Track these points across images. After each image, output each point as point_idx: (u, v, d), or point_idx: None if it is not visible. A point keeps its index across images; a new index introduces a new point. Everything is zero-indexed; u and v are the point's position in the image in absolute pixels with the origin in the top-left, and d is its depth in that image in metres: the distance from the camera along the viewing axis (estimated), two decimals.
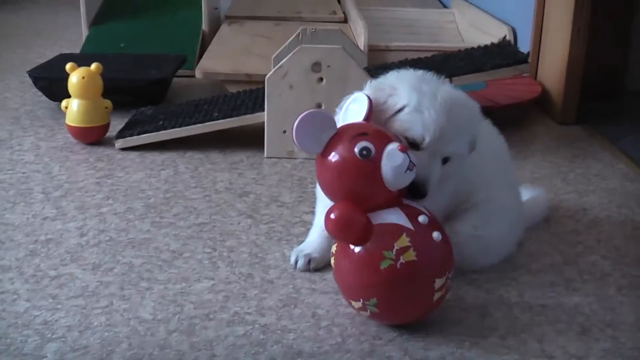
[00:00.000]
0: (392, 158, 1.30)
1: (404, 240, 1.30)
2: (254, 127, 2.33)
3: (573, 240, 1.77)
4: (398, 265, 1.30)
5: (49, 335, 1.37)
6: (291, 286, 1.55)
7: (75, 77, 2.32)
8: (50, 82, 2.67)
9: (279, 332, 1.39)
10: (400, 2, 4.24)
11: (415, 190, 1.38)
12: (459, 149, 1.44)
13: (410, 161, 1.31)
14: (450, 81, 2.20)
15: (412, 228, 1.31)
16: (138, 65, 2.87)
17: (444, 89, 1.46)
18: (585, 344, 1.37)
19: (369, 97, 1.40)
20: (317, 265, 1.59)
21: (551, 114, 2.64)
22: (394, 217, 1.33)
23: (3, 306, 1.46)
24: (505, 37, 2.63)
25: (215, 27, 3.54)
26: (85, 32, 3.59)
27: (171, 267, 1.62)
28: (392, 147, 1.31)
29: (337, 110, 1.48)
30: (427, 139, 1.39)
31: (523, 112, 2.65)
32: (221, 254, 1.68)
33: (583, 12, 2.48)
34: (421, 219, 1.33)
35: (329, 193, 1.38)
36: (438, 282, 1.32)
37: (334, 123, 1.36)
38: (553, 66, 2.64)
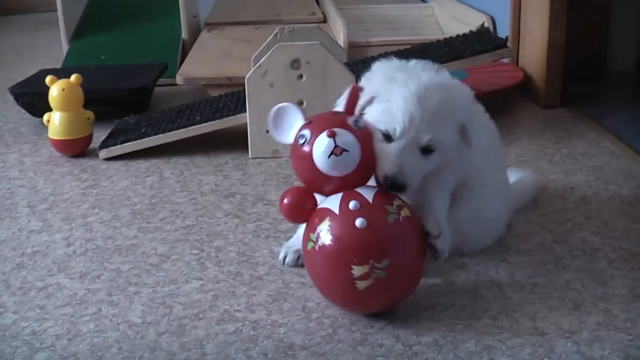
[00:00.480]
0: (318, 144, 1.32)
1: (325, 224, 1.31)
2: (237, 129, 2.32)
3: (562, 218, 1.77)
4: (317, 248, 1.31)
5: (38, 345, 1.35)
6: (280, 281, 1.53)
7: (56, 89, 2.31)
8: (32, 97, 2.66)
9: (269, 327, 1.38)
10: (379, 0, 4.24)
11: (389, 183, 1.35)
12: (441, 137, 1.37)
13: (337, 146, 1.31)
14: None
15: (337, 212, 1.31)
16: (119, 75, 2.86)
17: (423, 75, 1.40)
18: (578, 318, 1.36)
19: (353, 88, 1.39)
20: None
21: (535, 98, 2.63)
22: (330, 201, 1.34)
23: None
24: (483, 24, 2.64)
25: (195, 34, 3.54)
26: (65, 47, 3.58)
27: (159, 271, 1.61)
28: (323, 133, 1.32)
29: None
30: (398, 130, 1.34)
31: (507, 98, 2.64)
32: (209, 254, 1.67)
33: None
34: (352, 204, 1.30)
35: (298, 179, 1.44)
36: (357, 270, 1.28)
37: (301, 115, 1.40)
38: (533, 51, 2.63)
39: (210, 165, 2.22)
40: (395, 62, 1.47)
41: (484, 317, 1.38)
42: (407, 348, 1.30)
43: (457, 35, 2.51)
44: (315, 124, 1.36)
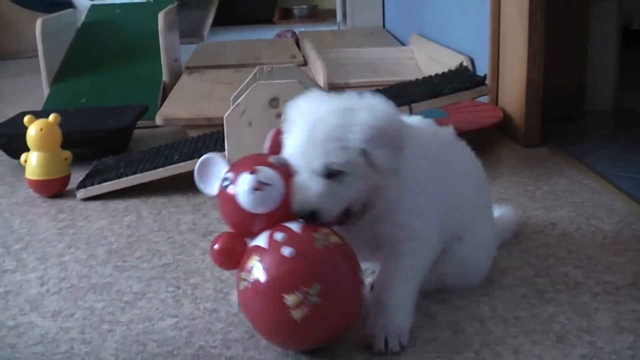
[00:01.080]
0: (240, 182, 1.32)
1: (253, 260, 1.28)
2: None
3: (544, 253, 1.75)
4: (249, 285, 1.28)
5: None
6: None
7: (34, 129, 2.29)
8: (9, 138, 2.64)
9: None
10: (359, 44, 4.27)
11: (300, 215, 1.31)
12: (336, 159, 1.28)
13: (259, 181, 1.30)
14: (410, 109, 2.21)
15: (266, 247, 1.29)
16: (98, 117, 2.85)
17: (325, 104, 1.34)
18: (562, 351, 1.33)
19: (275, 131, 1.40)
20: None
21: (515, 137, 2.63)
22: (258, 239, 1.32)
23: None
24: (462, 63, 2.64)
25: (176, 77, 3.54)
26: (46, 90, 3.57)
27: (134, 308, 1.57)
28: (245, 172, 1.32)
29: None
30: (293, 161, 1.32)
31: (487, 138, 2.64)
32: (185, 291, 1.63)
33: (537, 32, 2.48)
34: (279, 236, 1.28)
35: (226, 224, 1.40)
36: (290, 299, 1.24)
37: (226, 164, 1.39)
38: (512, 90, 2.64)
39: (188, 204, 2.19)
40: (315, 93, 1.42)
41: (465, 351, 1.35)
42: None
43: (436, 74, 2.52)
44: (237, 166, 1.36)
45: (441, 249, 1.48)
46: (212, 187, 1.40)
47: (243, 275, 1.29)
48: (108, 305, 1.60)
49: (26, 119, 2.31)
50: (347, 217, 1.35)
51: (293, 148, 1.33)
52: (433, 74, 2.66)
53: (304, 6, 7.62)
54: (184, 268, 1.75)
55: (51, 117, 2.31)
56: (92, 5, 4.43)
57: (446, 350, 1.36)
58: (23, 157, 2.33)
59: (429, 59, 3.48)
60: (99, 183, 2.27)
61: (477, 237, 1.56)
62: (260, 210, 1.31)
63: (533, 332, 1.40)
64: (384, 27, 5.18)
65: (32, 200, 2.31)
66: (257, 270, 1.27)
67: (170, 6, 3.90)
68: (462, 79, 2.35)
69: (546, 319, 1.45)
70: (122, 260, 1.82)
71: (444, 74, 2.50)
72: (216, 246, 1.35)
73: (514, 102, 2.63)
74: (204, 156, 1.42)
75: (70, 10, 4.30)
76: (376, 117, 1.32)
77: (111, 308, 1.58)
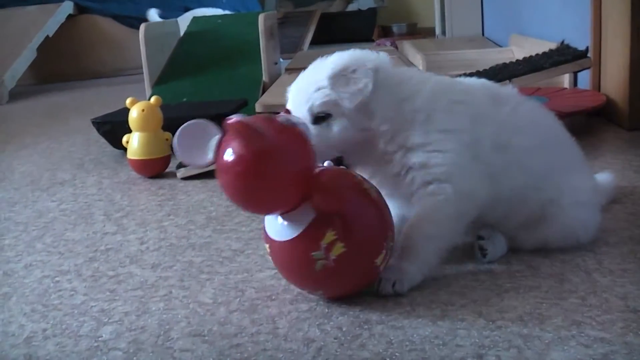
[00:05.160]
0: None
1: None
2: None
3: None
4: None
5: (106, 320, 1.33)
6: None
7: (135, 110, 2.35)
8: (113, 125, 2.70)
9: (345, 305, 1.32)
10: (458, 48, 4.23)
11: None
12: (317, 101, 1.39)
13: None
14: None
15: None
16: (199, 107, 2.89)
17: (330, 58, 1.44)
18: None
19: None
20: None
21: (619, 122, 2.54)
22: None
23: (60, 300, 1.44)
24: (562, 41, 2.57)
25: (275, 79, 3.56)
26: (148, 92, 3.66)
27: (232, 262, 1.58)
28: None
29: None
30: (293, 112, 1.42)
31: (591, 124, 2.56)
32: None
33: None
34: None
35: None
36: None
37: (215, 129, 1.32)
38: (615, 72, 2.55)
39: None
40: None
41: (571, 297, 1.30)
42: (490, 322, 1.23)
43: (537, 54, 2.46)
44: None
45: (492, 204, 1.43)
46: (200, 156, 1.30)
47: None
48: (207, 259, 1.61)
49: (128, 100, 2.36)
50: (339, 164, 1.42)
51: (289, 103, 1.44)
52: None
53: (403, 24, 7.63)
54: None
55: (153, 99, 2.37)
56: (194, 17, 4.52)
57: (550, 297, 1.31)
58: (125, 138, 2.39)
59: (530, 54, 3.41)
60: None
61: (575, 196, 1.50)
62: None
63: None
64: (483, 35, 5.13)
65: (134, 180, 2.36)
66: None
67: (271, 11, 3.95)
68: (563, 54, 2.30)
69: None
70: (221, 225, 1.84)
71: (544, 52, 2.44)
72: None
73: (617, 84, 2.54)
74: (187, 123, 1.33)
75: (173, 19, 4.42)
76: (338, 61, 1.41)
77: (210, 262, 1.59)
